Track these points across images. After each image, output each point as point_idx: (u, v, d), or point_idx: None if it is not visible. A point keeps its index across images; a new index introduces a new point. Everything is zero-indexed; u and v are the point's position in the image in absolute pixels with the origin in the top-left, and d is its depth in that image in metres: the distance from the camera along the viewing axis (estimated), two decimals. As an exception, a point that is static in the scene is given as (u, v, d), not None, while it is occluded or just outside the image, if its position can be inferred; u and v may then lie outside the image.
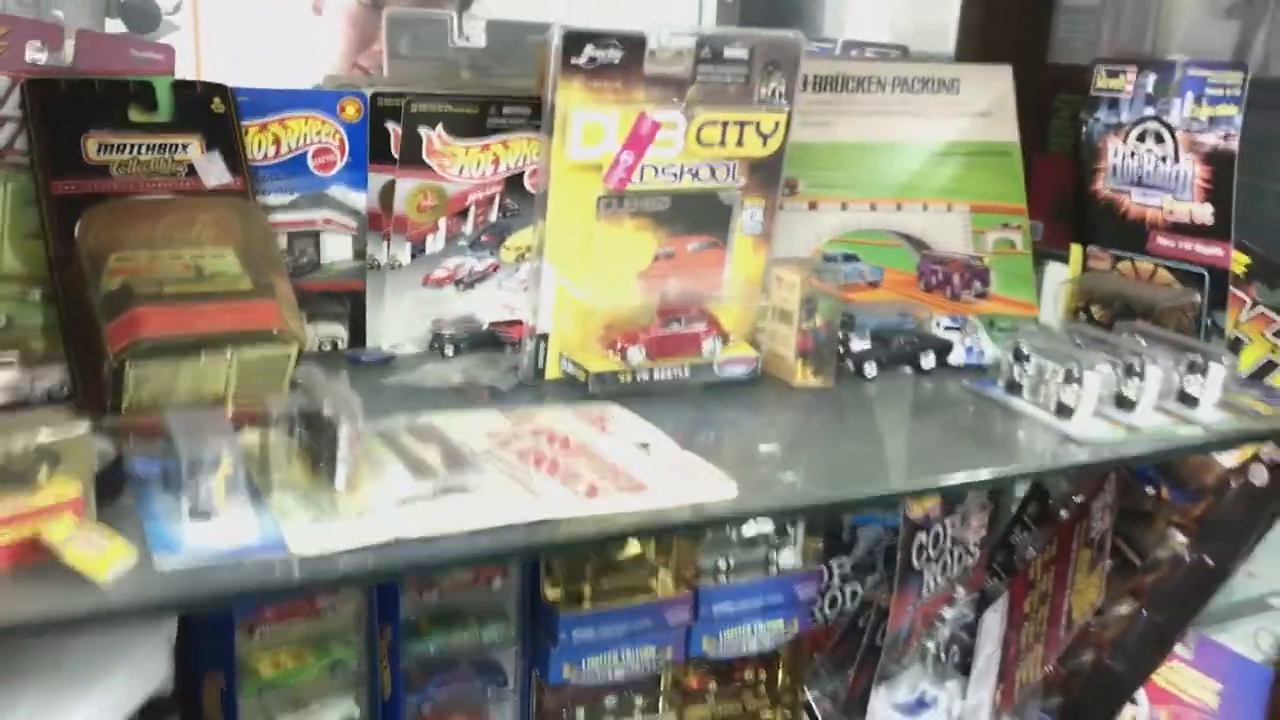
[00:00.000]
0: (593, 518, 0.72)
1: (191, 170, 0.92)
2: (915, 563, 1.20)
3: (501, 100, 0.99)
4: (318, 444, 0.70)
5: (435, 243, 1.01)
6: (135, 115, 0.91)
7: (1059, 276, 1.24)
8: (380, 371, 0.99)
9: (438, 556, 0.65)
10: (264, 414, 0.73)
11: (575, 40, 0.90)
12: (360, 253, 1.02)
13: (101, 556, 0.61)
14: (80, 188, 0.86)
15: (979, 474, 0.86)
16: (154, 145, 0.91)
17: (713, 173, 0.97)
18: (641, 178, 0.94)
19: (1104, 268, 1.18)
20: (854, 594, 1.32)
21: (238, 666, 0.98)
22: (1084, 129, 1.19)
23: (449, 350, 1.02)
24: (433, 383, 0.96)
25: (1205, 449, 1.09)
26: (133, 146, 0.90)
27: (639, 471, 0.77)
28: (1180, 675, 1.28)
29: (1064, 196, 1.26)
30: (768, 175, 1.00)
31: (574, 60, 0.90)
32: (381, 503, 0.69)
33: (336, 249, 1.01)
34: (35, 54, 0.87)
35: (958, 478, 0.85)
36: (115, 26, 1.71)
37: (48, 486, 0.63)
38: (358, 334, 1.03)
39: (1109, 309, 1.14)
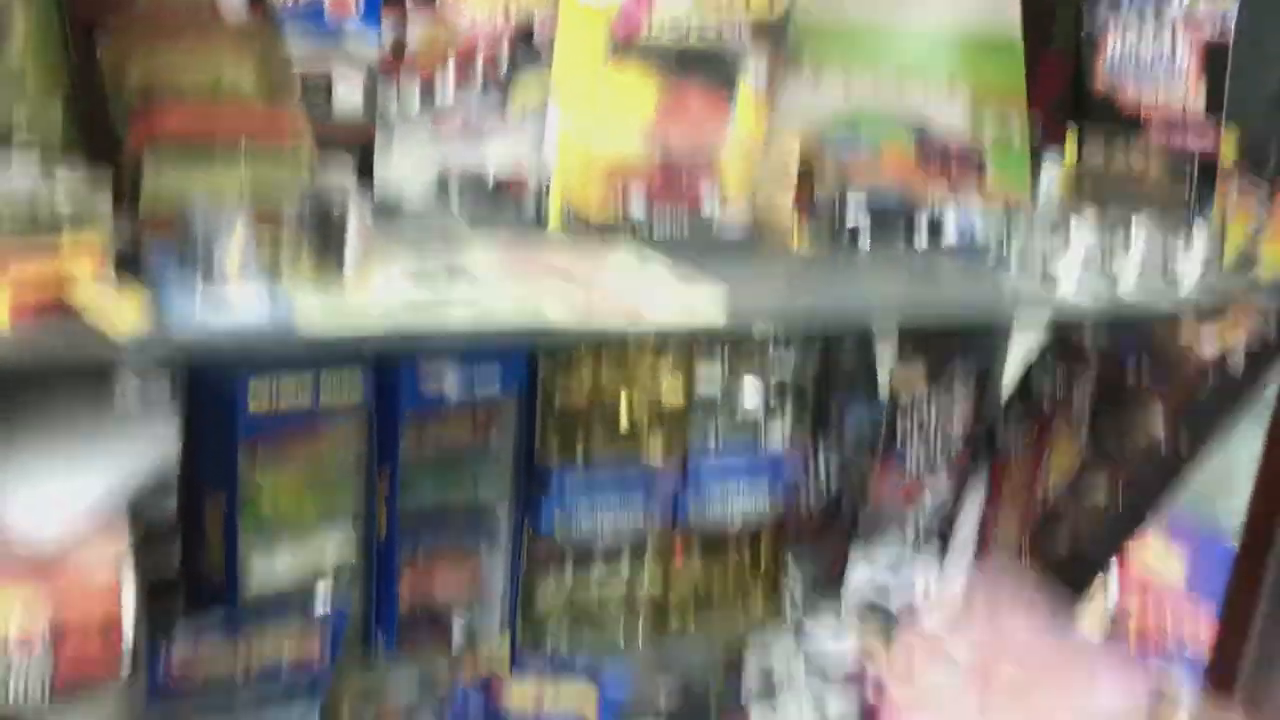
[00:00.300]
0: (589, 314, 0.75)
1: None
2: (898, 440, 1.23)
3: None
4: (326, 236, 0.73)
5: (444, 91, 1.04)
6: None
7: (1054, 168, 1.27)
8: (387, 216, 1.01)
9: (438, 333, 0.69)
10: (276, 214, 0.76)
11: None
12: (371, 100, 1.04)
13: (119, 315, 0.64)
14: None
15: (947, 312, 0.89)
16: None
17: (720, 30, 0.99)
18: (650, 29, 0.96)
19: (1098, 158, 1.20)
20: (840, 475, 1.35)
21: (239, 487, 1.01)
22: (1084, 21, 1.21)
23: (455, 199, 1.05)
24: (438, 226, 0.99)
25: (1187, 313, 1.12)
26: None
27: (635, 292, 0.80)
28: (1150, 553, 1.32)
29: (1064, 94, 1.28)
30: (774, 38, 1.02)
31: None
32: (383, 294, 0.72)
33: (347, 95, 1.03)
34: None
35: (929, 313, 0.88)
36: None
37: (70, 248, 0.66)
38: (366, 182, 1.05)
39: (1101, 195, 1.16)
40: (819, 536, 1.35)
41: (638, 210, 0.98)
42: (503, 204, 1.03)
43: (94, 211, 0.67)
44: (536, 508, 1.15)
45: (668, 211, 0.99)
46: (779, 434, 1.27)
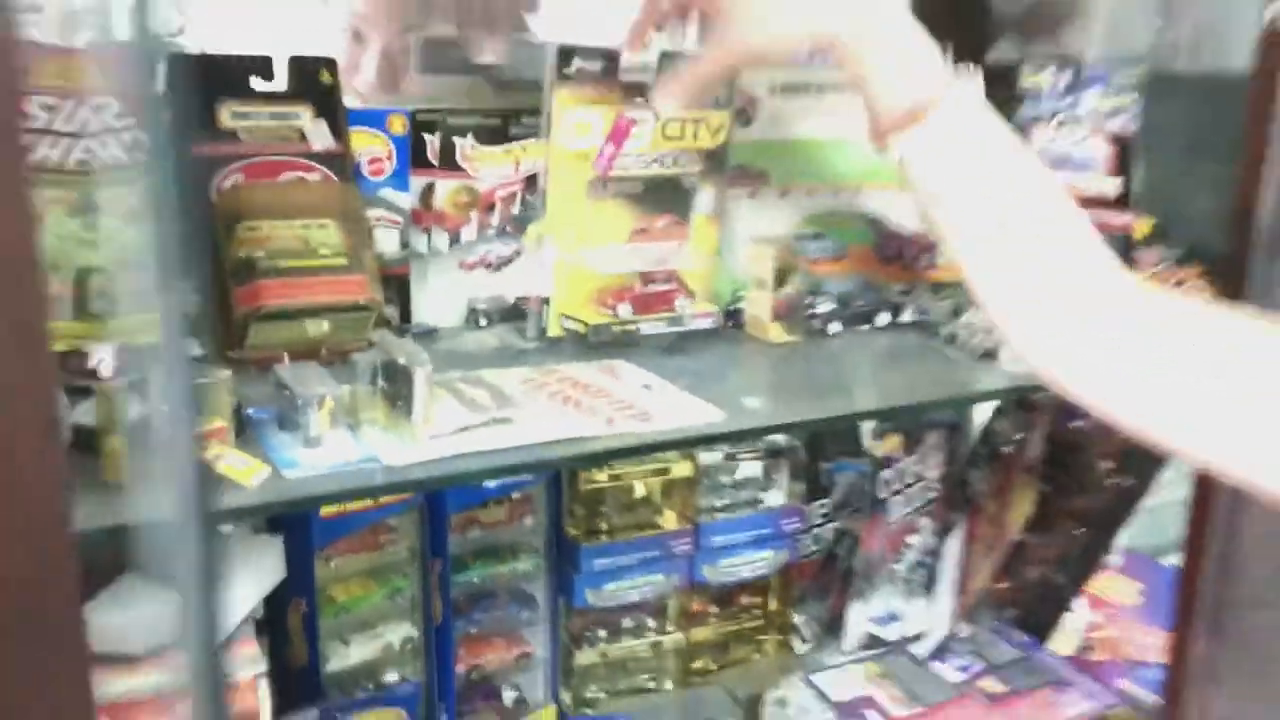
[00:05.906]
0: (613, 435, 0.92)
1: (303, 135, 1.11)
2: (882, 494, 1.40)
3: (521, 112, 1.19)
4: (395, 389, 0.90)
5: (469, 233, 1.21)
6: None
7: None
8: (428, 340, 1.19)
9: (491, 465, 0.86)
10: (351, 367, 0.93)
11: (565, 54, 1.10)
12: (405, 244, 1.21)
13: (245, 470, 0.81)
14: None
15: (916, 399, 1.08)
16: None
17: (675, 161, 1.18)
18: (621, 165, 1.14)
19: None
20: (834, 531, 1.51)
21: (317, 593, 1.18)
22: (1013, 120, 1.39)
23: (483, 322, 1.22)
24: (471, 347, 1.16)
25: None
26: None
27: (645, 405, 0.97)
28: (1110, 582, 1.49)
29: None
30: (717, 163, 1.21)
31: (565, 70, 1.10)
32: (446, 430, 0.89)
33: (386, 241, 1.21)
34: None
35: (898, 402, 1.06)
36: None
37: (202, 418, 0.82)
38: (405, 312, 1.23)
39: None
40: (820, 586, 1.52)
41: (626, 314, 1.15)
42: (523, 323, 1.20)
43: (218, 385, 0.84)
44: (569, 583, 1.32)
45: (649, 313, 1.16)
46: (777, 497, 1.45)
